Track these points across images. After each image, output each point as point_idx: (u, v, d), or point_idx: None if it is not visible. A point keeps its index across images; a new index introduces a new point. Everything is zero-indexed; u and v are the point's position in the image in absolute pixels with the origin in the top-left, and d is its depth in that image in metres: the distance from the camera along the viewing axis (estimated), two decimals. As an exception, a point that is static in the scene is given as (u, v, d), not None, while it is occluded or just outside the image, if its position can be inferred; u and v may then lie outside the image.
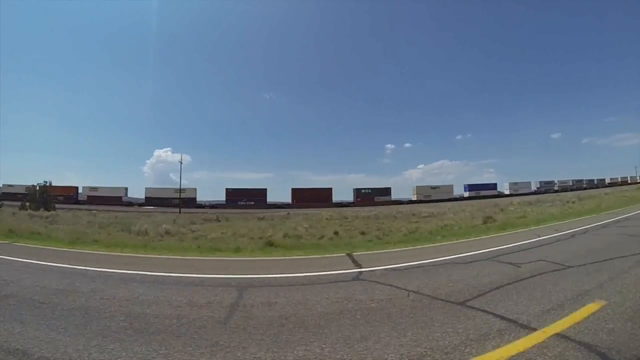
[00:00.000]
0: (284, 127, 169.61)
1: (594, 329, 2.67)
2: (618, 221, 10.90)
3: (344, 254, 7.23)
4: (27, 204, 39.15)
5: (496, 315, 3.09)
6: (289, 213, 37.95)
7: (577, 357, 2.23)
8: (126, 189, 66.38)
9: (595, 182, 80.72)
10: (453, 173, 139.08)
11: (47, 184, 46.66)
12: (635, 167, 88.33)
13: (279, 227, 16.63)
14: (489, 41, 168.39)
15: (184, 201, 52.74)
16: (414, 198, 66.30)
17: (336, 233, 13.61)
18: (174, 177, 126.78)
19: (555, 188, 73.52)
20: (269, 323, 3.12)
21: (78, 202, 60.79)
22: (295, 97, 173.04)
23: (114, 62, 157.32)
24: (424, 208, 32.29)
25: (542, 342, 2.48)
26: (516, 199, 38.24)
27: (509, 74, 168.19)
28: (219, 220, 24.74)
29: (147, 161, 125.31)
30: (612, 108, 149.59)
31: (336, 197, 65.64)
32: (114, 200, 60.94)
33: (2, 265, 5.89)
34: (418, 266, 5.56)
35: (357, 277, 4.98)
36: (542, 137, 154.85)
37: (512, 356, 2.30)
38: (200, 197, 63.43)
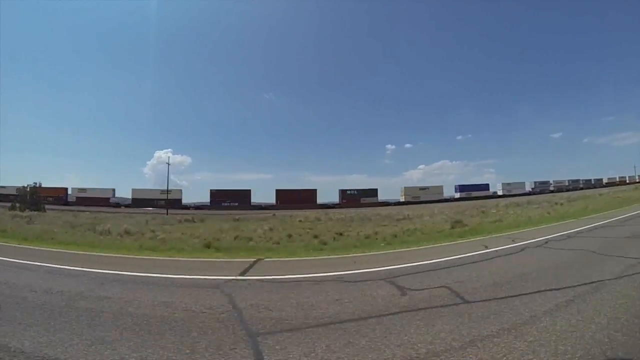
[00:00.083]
0: (284, 128, 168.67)
1: None
2: (592, 229, 9.51)
3: (253, 259, 7.06)
4: (17, 204, 39.64)
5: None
6: (274, 214, 37.71)
7: None
8: (113, 190, 66.04)
9: (593, 182, 79.08)
10: (454, 173, 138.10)
11: (37, 185, 47.68)
12: (634, 167, 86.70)
13: (242, 229, 16.25)
14: (489, 41, 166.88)
15: (170, 202, 52.24)
16: (402, 199, 64.69)
17: (290, 236, 13.18)
18: (175, 178, 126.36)
19: (551, 188, 71.90)
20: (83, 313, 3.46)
21: (67, 203, 61.03)
22: (295, 97, 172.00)
23: (114, 62, 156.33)
24: (405, 210, 30.99)
25: None
26: (505, 201, 36.87)
27: (509, 74, 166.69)
28: (194, 221, 24.45)
29: (148, 162, 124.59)
30: (612, 107, 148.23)
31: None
32: (102, 201, 60.54)
33: None
34: (301, 280, 5.06)
35: (219, 285, 4.71)
36: (542, 136, 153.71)
37: None
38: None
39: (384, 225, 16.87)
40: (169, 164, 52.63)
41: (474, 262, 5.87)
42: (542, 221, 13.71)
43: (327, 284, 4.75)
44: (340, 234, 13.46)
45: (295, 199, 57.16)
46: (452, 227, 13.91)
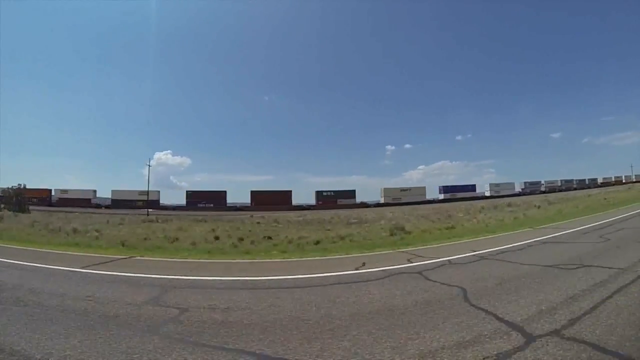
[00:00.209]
0: (284, 128, 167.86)
1: None
2: (529, 246, 7.42)
3: (126, 257, 7.89)
4: (2, 205, 40.09)
5: None
6: (252, 216, 37.16)
7: None
8: (95, 191, 65.93)
9: (587, 182, 77.18)
10: (453, 174, 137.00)
11: (22, 187, 48.37)
12: (631, 166, 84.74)
13: (187, 230, 16.67)
14: (489, 41, 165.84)
15: (148, 203, 51.52)
16: (382, 201, 62.70)
17: (217, 238, 13.13)
18: (175, 180, 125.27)
19: (542, 189, 70.02)
20: None
21: (51, 204, 60.84)
22: (295, 98, 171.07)
23: (113, 63, 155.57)
24: (373, 213, 29.44)
25: None
26: (488, 202, 35.30)
27: (509, 74, 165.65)
28: (158, 222, 25.11)
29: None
30: (612, 107, 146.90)
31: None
32: (83, 202, 60.25)
33: None
34: (121, 278, 5.59)
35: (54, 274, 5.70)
36: (542, 136, 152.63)
37: None
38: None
39: (328, 230, 15.52)
40: (149, 165, 51.87)
41: (312, 286, 4.58)
42: (497, 229, 12.02)
43: (144, 285, 4.95)
44: (270, 238, 12.76)
45: (270, 201, 56.74)
46: (391, 234, 12.44)
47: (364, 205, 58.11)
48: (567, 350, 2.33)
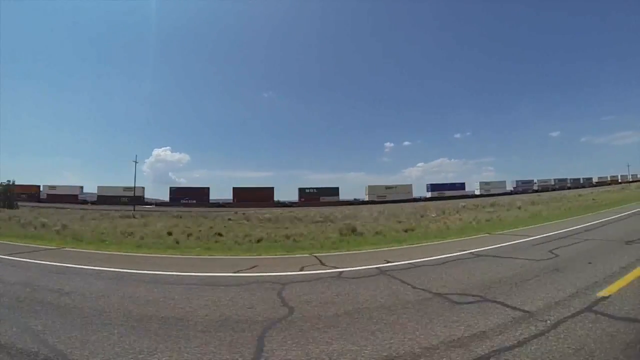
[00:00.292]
0: (284, 127, 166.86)
1: None
2: (458, 259, 6.31)
3: (55, 247, 8.53)
4: None
5: None
6: (237, 212, 36.32)
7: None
8: (81, 187, 66.29)
9: (582, 182, 76.18)
10: (452, 171, 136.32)
11: (11, 183, 50.15)
12: (628, 166, 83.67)
13: (151, 226, 16.52)
14: (489, 41, 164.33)
15: (133, 199, 51.50)
16: (366, 198, 61.46)
17: (170, 233, 12.98)
18: (173, 176, 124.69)
19: (535, 188, 68.94)
20: None
21: (40, 200, 61.75)
22: (295, 97, 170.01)
23: (114, 64, 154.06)
24: (349, 210, 28.57)
25: None
26: (473, 201, 34.37)
27: (509, 74, 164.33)
28: (135, 217, 25.21)
29: (147, 160, 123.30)
30: (612, 106, 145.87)
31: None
32: (71, 198, 60.70)
33: None
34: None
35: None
36: (541, 135, 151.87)
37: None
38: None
39: (286, 228, 14.88)
40: (136, 162, 51.32)
41: (154, 283, 3.91)
42: (453, 234, 10.74)
43: (31, 269, 5.63)
44: (221, 235, 12.63)
45: (253, 197, 56.31)
46: (341, 234, 11.66)
47: (347, 202, 57.02)
48: None
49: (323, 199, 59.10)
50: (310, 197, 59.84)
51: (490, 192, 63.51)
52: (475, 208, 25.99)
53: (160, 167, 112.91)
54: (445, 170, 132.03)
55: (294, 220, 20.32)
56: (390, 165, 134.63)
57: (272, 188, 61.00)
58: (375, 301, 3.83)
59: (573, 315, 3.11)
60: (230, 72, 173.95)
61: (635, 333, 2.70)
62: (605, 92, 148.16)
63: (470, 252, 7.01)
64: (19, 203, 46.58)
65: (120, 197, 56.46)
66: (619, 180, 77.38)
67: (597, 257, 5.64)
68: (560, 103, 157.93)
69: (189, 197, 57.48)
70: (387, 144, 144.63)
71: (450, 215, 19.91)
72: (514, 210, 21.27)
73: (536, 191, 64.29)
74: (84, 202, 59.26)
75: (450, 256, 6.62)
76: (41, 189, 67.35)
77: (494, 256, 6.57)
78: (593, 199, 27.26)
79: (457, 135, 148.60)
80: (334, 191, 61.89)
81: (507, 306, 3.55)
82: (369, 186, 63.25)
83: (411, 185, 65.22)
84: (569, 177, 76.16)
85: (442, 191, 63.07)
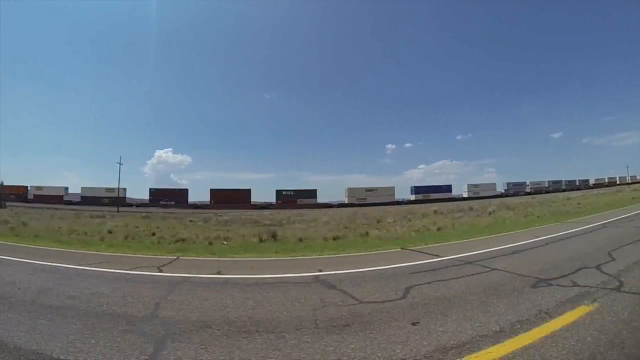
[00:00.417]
0: (284, 128, 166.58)
1: None
2: (312, 280, 5.14)
3: None
4: None
5: None
6: (216, 214, 35.66)
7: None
8: (66, 188, 67.43)
9: (577, 184, 74.37)
10: (454, 173, 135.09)
11: (0, 184, 52.36)
12: (627, 167, 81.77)
13: (103, 226, 17.15)
14: (489, 41, 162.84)
15: (114, 200, 52.09)
16: (346, 201, 60.14)
17: (110, 232, 13.64)
18: (175, 177, 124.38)
19: (528, 190, 67.22)
20: None
21: (27, 201, 62.19)
22: (296, 97, 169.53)
23: (114, 64, 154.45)
24: (315, 213, 27.48)
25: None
26: (454, 205, 33.06)
27: (509, 74, 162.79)
28: (105, 217, 25.92)
29: (148, 162, 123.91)
30: (612, 107, 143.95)
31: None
32: (56, 198, 61.34)
33: None
34: None
35: None
36: (542, 136, 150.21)
37: None
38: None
39: (227, 231, 15.16)
40: (120, 164, 51.29)
41: None
42: (373, 245, 9.59)
43: None
44: (154, 234, 13.23)
45: (230, 199, 56.01)
46: (261, 241, 10.93)
47: (325, 205, 56.09)
48: None
49: (300, 201, 58.17)
50: (287, 199, 59.04)
51: (479, 194, 61.54)
52: (449, 214, 24.45)
53: (162, 169, 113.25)
54: (447, 172, 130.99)
55: (247, 223, 19.80)
56: (391, 167, 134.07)
57: (249, 190, 60.71)
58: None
59: None
60: (230, 73, 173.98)
61: None
62: (606, 92, 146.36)
63: (314, 276, 5.69)
64: (7, 203, 47.03)
65: (102, 197, 57.10)
66: (617, 182, 75.59)
67: (457, 310, 3.43)
68: (560, 103, 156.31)
69: (167, 198, 57.49)
70: (389, 146, 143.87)
71: (414, 220, 18.66)
72: (482, 218, 19.75)
73: (528, 193, 62.71)
74: (69, 202, 59.57)
75: (288, 276, 5.44)
76: (29, 189, 67.52)
77: (377, 279, 5.28)
78: (578, 204, 25.75)
79: (459, 137, 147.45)
80: (312, 193, 60.82)
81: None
82: (348, 188, 61.86)
83: (393, 187, 63.50)
84: (564, 179, 74.39)
85: (427, 194, 61.44)
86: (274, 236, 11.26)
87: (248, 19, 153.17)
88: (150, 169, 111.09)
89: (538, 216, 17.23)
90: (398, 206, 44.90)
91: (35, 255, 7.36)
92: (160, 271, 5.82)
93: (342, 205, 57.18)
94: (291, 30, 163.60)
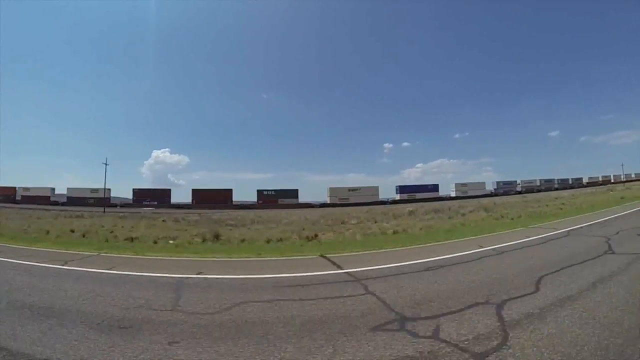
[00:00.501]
0: (283, 128, 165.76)
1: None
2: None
3: None
4: None
5: None
6: (200, 214, 35.31)
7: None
8: (53, 189, 67.73)
9: (570, 182, 73.69)
10: (451, 172, 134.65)
11: None
12: (622, 165, 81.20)
13: (69, 225, 17.61)
14: (489, 41, 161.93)
15: (99, 200, 52.17)
16: (328, 201, 59.22)
17: (72, 231, 13.76)
18: (172, 178, 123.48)
19: (518, 189, 66.46)
20: None
21: (15, 202, 62.88)
22: (295, 97, 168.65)
23: (114, 64, 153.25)
24: (291, 215, 26.94)
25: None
26: (409, 207, 32.43)
27: (509, 74, 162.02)
28: (83, 217, 26.59)
29: (146, 162, 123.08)
30: (611, 106, 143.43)
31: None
32: (43, 199, 61.67)
33: None
34: None
35: None
36: (540, 135, 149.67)
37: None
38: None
39: (185, 230, 15.52)
40: (106, 164, 50.28)
41: None
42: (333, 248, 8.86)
43: None
44: (112, 232, 13.79)
45: (211, 199, 55.74)
46: (204, 241, 10.89)
47: (307, 205, 55.31)
48: None
49: (281, 201, 57.74)
50: (268, 199, 58.61)
51: (467, 193, 60.85)
52: (419, 215, 23.63)
53: (159, 169, 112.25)
54: (445, 171, 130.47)
55: (215, 223, 19.66)
56: (389, 166, 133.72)
57: (231, 190, 60.03)
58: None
59: None
60: (229, 72, 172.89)
61: None
62: (605, 92, 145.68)
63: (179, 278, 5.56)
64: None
65: (87, 198, 56.87)
66: (612, 180, 74.96)
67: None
68: (559, 102, 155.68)
69: (149, 199, 57.17)
70: (387, 145, 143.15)
71: (381, 222, 17.93)
72: (452, 220, 18.68)
73: (519, 192, 61.97)
74: (55, 203, 59.69)
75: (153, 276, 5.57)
76: (17, 190, 67.76)
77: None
78: (562, 204, 25.01)
79: (457, 136, 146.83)
80: (293, 193, 60.07)
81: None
82: (330, 188, 60.76)
83: (377, 187, 62.32)
84: (557, 178, 73.65)
85: (413, 193, 60.53)
86: (217, 237, 11.22)
87: (247, 19, 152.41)
88: (148, 169, 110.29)
89: (512, 218, 16.27)
90: (382, 206, 44.05)
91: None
92: (64, 265, 6.45)
93: (323, 205, 56.19)
94: (290, 30, 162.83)
